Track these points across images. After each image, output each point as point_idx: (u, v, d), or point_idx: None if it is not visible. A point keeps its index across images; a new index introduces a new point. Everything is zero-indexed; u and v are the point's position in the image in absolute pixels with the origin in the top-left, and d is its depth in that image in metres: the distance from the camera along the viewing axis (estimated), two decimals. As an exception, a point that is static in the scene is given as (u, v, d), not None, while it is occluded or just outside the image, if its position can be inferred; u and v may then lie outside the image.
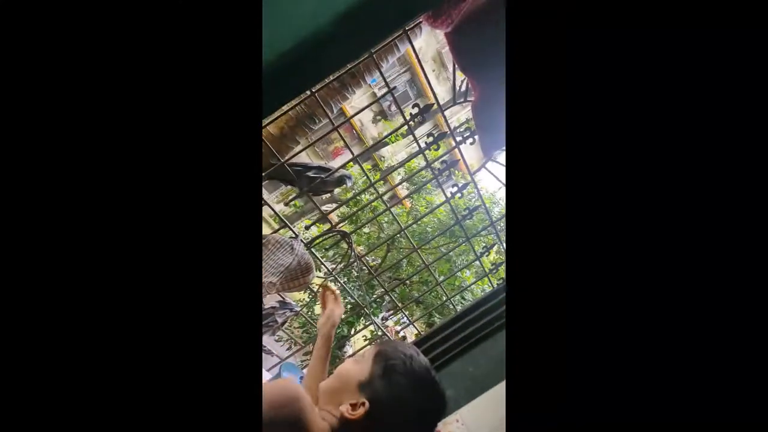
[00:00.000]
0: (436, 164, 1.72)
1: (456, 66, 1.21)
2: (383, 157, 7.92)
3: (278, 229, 1.66)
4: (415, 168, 4.51)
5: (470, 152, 2.29)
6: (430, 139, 1.72)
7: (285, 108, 2.93)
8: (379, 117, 8.48)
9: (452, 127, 1.80)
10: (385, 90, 8.59)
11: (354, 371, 0.65)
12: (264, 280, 1.47)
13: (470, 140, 1.78)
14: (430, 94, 1.50)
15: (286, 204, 1.40)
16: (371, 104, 1.46)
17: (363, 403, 0.60)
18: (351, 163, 1.64)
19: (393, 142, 6.91)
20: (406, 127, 1.55)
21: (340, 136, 1.72)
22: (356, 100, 8.12)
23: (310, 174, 1.60)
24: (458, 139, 1.68)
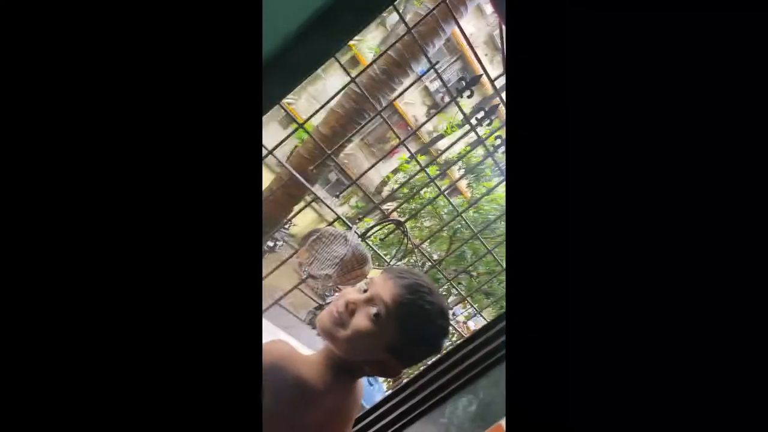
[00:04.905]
0: (491, 139, 1.61)
1: (503, 30, 1.10)
2: (440, 149, 7.78)
3: (332, 222, 1.65)
4: (471, 155, 4.35)
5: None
6: (481, 114, 1.61)
7: (332, 105, 2.96)
8: (432, 110, 8.34)
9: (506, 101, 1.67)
10: (436, 82, 8.43)
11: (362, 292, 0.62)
12: (320, 272, 1.47)
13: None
14: (484, 79, 1.40)
15: (338, 196, 1.38)
16: (414, 83, 1.40)
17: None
18: (405, 155, 1.58)
19: (449, 134, 6.74)
20: (461, 117, 1.47)
21: (390, 127, 1.67)
22: (408, 95, 8.07)
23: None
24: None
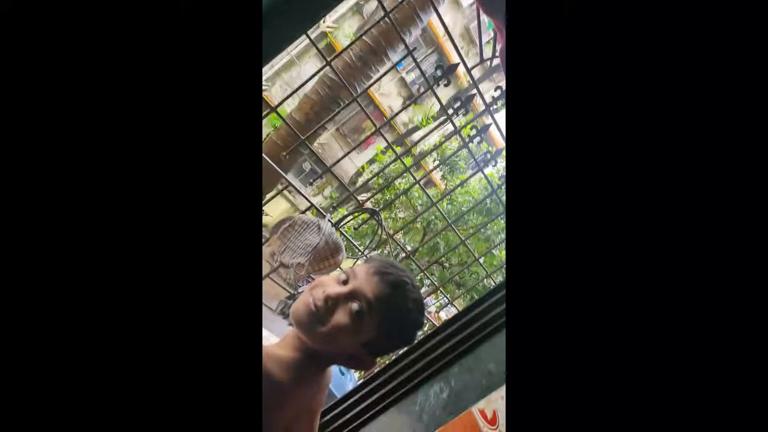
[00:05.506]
0: (467, 130, 1.61)
1: (480, 12, 1.09)
2: (415, 141, 7.79)
3: (304, 211, 1.62)
4: (446, 146, 4.38)
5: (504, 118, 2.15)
6: (458, 103, 1.61)
7: (306, 91, 2.89)
8: (408, 102, 8.33)
9: (482, 93, 1.67)
10: (412, 74, 8.37)
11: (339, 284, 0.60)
12: (292, 261, 1.43)
13: (501, 101, 1.65)
14: (460, 70, 1.39)
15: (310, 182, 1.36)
16: (389, 70, 1.37)
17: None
18: (381, 146, 1.57)
19: (424, 126, 6.76)
20: (437, 109, 1.46)
21: (367, 115, 1.64)
22: (384, 86, 8.01)
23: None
24: (488, 101, 1.56)
